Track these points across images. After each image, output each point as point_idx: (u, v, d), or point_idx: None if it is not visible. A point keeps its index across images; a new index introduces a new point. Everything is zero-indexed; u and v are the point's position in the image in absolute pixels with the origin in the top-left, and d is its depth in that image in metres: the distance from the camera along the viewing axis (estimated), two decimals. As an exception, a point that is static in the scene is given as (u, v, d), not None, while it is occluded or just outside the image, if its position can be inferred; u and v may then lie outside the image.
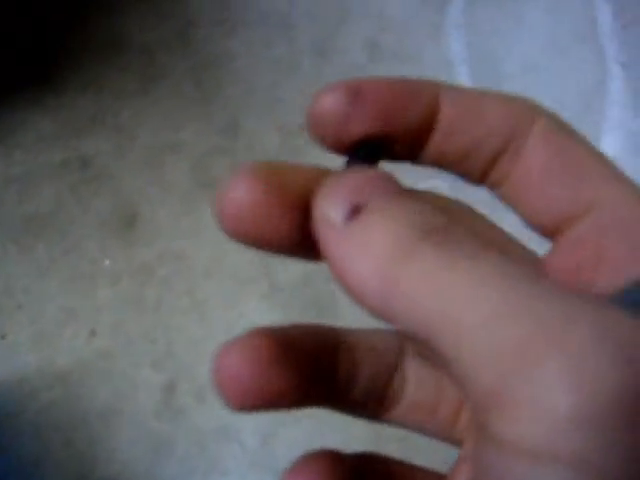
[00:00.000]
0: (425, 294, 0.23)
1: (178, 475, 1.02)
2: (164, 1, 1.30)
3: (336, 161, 0.29)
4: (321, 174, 0.29)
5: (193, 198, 1.15)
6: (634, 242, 0.27)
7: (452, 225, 0.25)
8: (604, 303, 0.23)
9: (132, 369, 1.06)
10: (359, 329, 0.34)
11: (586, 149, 0.29)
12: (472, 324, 0.22)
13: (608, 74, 1.26)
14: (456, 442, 0.35)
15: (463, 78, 1.25)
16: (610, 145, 1.16)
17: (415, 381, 0.34)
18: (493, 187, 0.31)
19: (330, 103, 0.28)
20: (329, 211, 0.26)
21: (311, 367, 0.31)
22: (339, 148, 0.29)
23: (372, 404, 0.34)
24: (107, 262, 1.11)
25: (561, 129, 0.29)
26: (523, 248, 0.33)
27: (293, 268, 1.10)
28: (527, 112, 0.29)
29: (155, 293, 1.10)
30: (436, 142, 0.29)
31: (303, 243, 0.28)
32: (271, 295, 1.10)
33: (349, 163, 0.29)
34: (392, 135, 0.29)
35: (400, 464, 0.34)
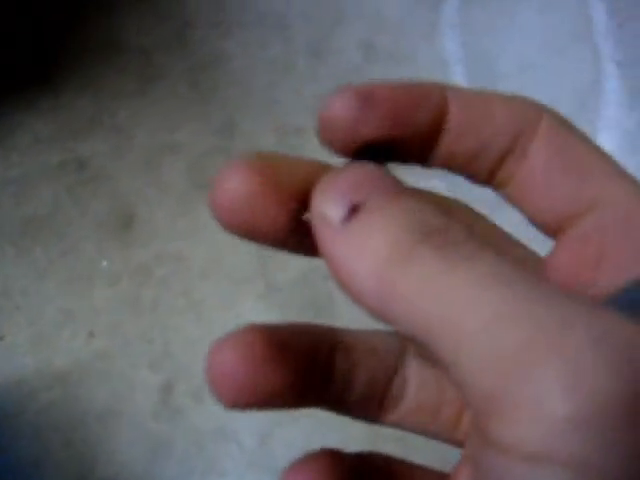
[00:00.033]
0: (423, 297, 0.23)
1: (176, 475, 1.02)
2: (161, 3, 1.30)
3: (332, 160, 0.29)
4: (316, 166, 0.29)
5: (190, 199, 1.15)
6: (636, 240, 0.27)
7: (451, 226, 0.25)
8: (601, 306, 0.23)
9: (130, 370, 1.06)
10: (358, 330, 0.34)
11: (588, 147, 0.29)
12: (470, 328, 0.22)
13: (603, 73, 1.26)
14: (458, 443, 0.34)
15: (458, 78, 1.25)
16: (606, 144, 1.15)
17: (416, 383, 0.34)
18: (499, 187, 0.31)
19: (340, 107, 0.28)
20: (327, 209, 0.26)
21: (306, 366, 0.31)
22: (348, 152, 0.29)
23: (371, 406, 0.34)
24: (104, 263, 1.11)
25: (564, 127, 0.29)
26: (524, 248, 0.33)
27: (290, 268, 1.10)
28: (533, 112, 0.29)
29: (152, 294, 1.10)
30: (445, 144, 0.29)
31: (298, 236, 0.28)
32: (268, 295, 1.10)
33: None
34: (400, 138, 0.28)
35: (401, 463, 0.34)
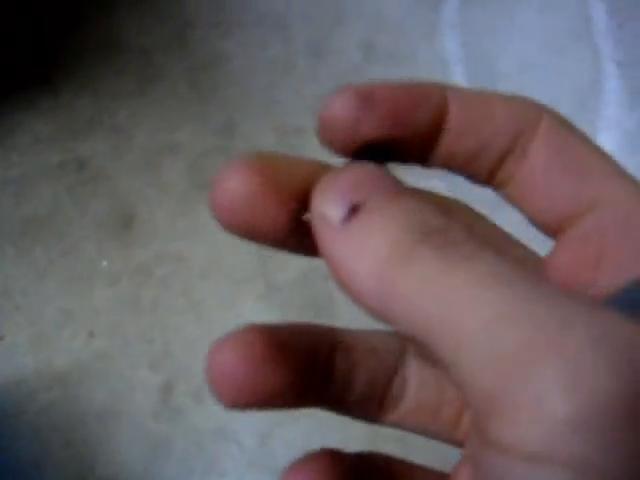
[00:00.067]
0: (423, 297, 0.23)
1: (176, 475, 1.02)
2: (161, 3, 1.30)
3: (332, 160, 0.29)
4: (316, 166, 0.29)
5: (190, 199, 1.15)
6: (636, 240, 0.27)
7: (451, 226, 0.25)
8: (601, 306, 0.23)
9: (130, 370, 1.06)
10: (358, 330, 0.34)
11: (588, 147, 0.29)
12: (470, 328, 0.22)
13: (603, 73, 1.26)
14: (458, 443, 0.34)
15: (458, 78, 1.25)
16: (605, 144, 1.15)
17: (416, 383, 0.34)
18: (498, 187, 0.30)
19: (340, 107, 0.28)
20: (327, 209, 0.26)
21: (306, 366, 0.31)
22: (348, 152, 0.29)
23: (371, 406, 0.34)
24: (104, 263, 1.11)
25: (564, 127, 0.29)
26: (524, 248, 0.33)
27: (290, 268, 1.10)
28: (533, 111, 0.29)
29: (152, 294, 1.10)
30: (445, 144, 0.29)
31: (298, 236, 0.28)
32: (268, 295, 1.10)
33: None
34: (400, 138, 0.28)
35: (401, 463, 0.34)
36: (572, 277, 0.29)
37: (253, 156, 0.28)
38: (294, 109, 1.23)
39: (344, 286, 0.25)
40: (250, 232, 0.28)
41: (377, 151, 0.28)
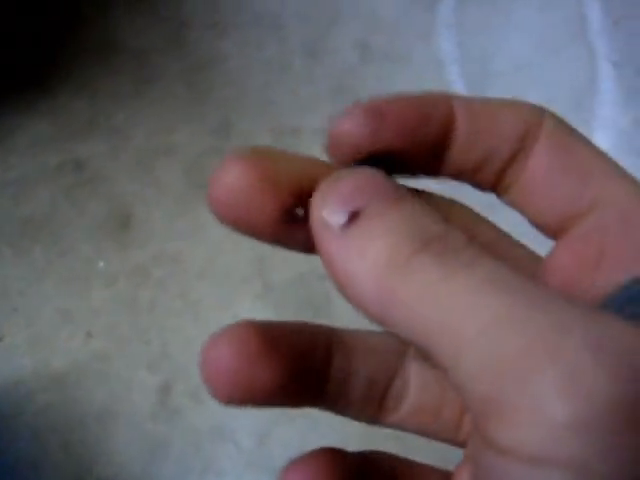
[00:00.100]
0: (423, 304, 0.23)
1: (174, 476, 1.02)
2: (157, 4, 1.30)
3: (328, 159, 0.30)
4: (311, 162, 0.29)
5: (187, 199, 1.15)
6: (635, 239, 0.28)
7: (451, 232, 0.25)
8: (599, 308, 0.23)
9: (128, 371, 1.06)
10: (357, 330, 0.34)
11: (588, 148, 0.29)
12: (469, 334, 0.22)
13: (599, 72, 1.26)
14: (460, 443, 0.34)
15: (454, 77, 1.25)
16: (601, 143, 1.14)
17: (418, 384, 0.34)
18: (501, 192, 0.31)
19: (350, 126, 0.28)
20: (327, 214, 0.26)
21: (302, 362, 0.31)
22: (353, 163, 0.29)
23: (371, 406, 0.34)
24: (102, 264, 1.11)
25: (564, 130, 0.29)
26: (522, 248, 0.33)
27: (287, 268, 1.10)
28: (535, 117, 0.29)
29: (150, 294, 1.10)
30: (453, 155, 0.29)
31: (292, 231, 0.28)
32: (265, 295, 1.10)
33: None
34: (408, 152, 0.29)
35: (404, 462, 0.34)
36: (572, 276, 0.29)
37: (248, 150, 0.28)
38: (290, 109, 1.23)
39: (343, 291, 0.25)
40: (245, 225, 0.28)
41: (381, 161, 0.28)
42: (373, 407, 0.34)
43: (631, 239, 0.28)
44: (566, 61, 1.28)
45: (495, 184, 0.30)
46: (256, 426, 1.04)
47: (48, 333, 1.08)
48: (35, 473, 1.01)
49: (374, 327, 0.31)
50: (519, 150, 0.29)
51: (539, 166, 0.29)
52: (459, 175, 0.30)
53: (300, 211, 0.28)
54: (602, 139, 1.19)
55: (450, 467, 0.33)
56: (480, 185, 0.31)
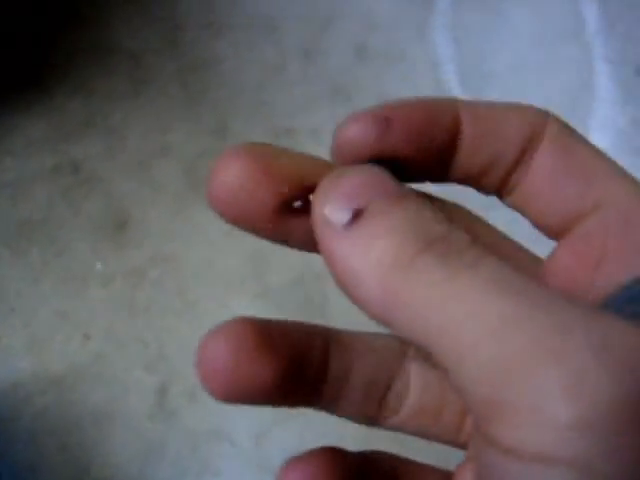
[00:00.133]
0: (426, 306, 0.23)
1: (171, 476, 1.02)
2: (152, 5, 1.30)
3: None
4: (313, 159, 0.29)
5: (184, 200, 1.15)
6: (636, 240, 0.28)
7: (454, 231, 0.25)
8: (601, 308, 0.23)
9: (125, 372, 1.06)
10: (356, 331, 0.34)
11: (591, 150, 0.29)
12: (472, 337, 0.22)
13: (595, 72, 1.26)
14: (461, 445, 0.34)
15: (450, 77, 1.26)
16: (598, 143, 1.15)
17: (418, 385, 0.34)
18: (504, 195, 0.31)
19: (357, 133, 0.28)
20: (329, 212, 0.26)
21: (299, 359, 0.31)
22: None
23: (370, 407, 0.34)
24: (99, 265, 1.11)
25: (567, 132, 0.30)
26: (520, 249, 0.33)
27: (285, 269, 1.10)
28: (540, 120, 0.29)
29: (146, 295, 1.10)
30: (459, 160, 0.29)
31: (289, 225, 0.28)
32: (262, 296, 1.09)
33: None
34: (414, 158, 0.29)
35: (406, 462, 0.34)
36: (573, 276, 0.29)
37: (248, 145, 0.28)
38: (285, 110, 1.23)
39: (345, 289, 0.25)
40: (245, 219, 0.28)
41: (386, 166, 0.28)
42: (372, 408, 0.34)
43: (632, 239, 0.28)
44: (562, 61, 1.28)
45: (499, 187, 0.30)
46: (253, 427, 1.04)
47: (45, 335, 1.07)
48: (33, 475, 1.01)
49: (373, 329, 0.31)
50: (524, 153, 0.29)
51: (542, 169, 0.29)
52: (465, 180, 0.30)
53: (298, 203, 0.28)
54: (600, 139, 1.19)
55: (448, 468, 0.33)
56: (484, 189, 0.31)
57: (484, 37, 1.29)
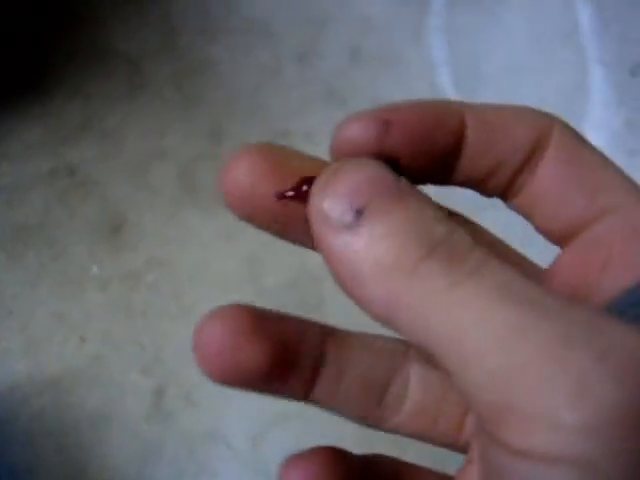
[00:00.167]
0: (430, 311, 0.23)
1: (168, 478, 1.02)
2: (148, 9, 1.30)
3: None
4: (321, 161, 0.29)
5: (179, 203, 1.15)
6: None
7: (455, 232, 0.25)
8: (605, 312, 0.23)
9: (121, 375, 1.06)
10: (355, 331, 0.34)
11: (597, 156, 0.30)
12: (477, 345, 0.22)
13: (589, 73, 1.26)
14: (460, 448, 0.34)
15: (445, 79, 1.26)
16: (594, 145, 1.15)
17: (418, 386, 0.34)
18: (508, 198, 0.31)
19: (356, 132, 0.28)
20: (328, 208, 0.25)
21: (293, 345, 0.31)
22: None
23: (369, 406, 0.34)
24: (95, 268, 1.11)
25: (573, 137, 0.30)
26: (516, 254, 0.33)
27: (280, 271, 1.10)
28: (546, 125, 0.30)
29: (143, 298, 1.10)
30: (463, 163, 0.29)
31: (292, 215, 0.28)
32: (258, 298, 1.09)
33: None
34: (417, 161, 0.29)
35: (408, 466, 0.34)
36: (578, 280, 0.29)
37: (258, 145, 0.28)
38: (281, 113, 1.23)
39: (346, 288, 0.25)
40: (253, 216, 0.29)
41: (386, 162, 0.28)
42: (371, 407, 0.34)
43: (638, 245, 0.28)
44: (557, 63, 1.28)
45: (504, 191, 0.30)
46: (250, 428, 1.04)
47: (42, 337, 1.07)
48: (30, 477, 1.01)
49: (369, 331, 0.32)
50: (530, 158, 0.29)
51: (548, 174, 0.29)
52: (468, 183, 0.30)
53: (290, 193, 0.28)
54: (594, 140, 1.18)
55: (445, 471, 0.33)
56: (487, 192, 0.31)
57: (478, 39, 1.29)
